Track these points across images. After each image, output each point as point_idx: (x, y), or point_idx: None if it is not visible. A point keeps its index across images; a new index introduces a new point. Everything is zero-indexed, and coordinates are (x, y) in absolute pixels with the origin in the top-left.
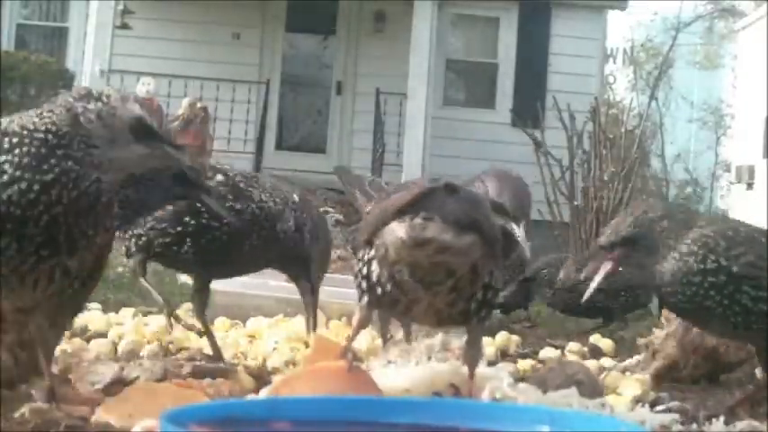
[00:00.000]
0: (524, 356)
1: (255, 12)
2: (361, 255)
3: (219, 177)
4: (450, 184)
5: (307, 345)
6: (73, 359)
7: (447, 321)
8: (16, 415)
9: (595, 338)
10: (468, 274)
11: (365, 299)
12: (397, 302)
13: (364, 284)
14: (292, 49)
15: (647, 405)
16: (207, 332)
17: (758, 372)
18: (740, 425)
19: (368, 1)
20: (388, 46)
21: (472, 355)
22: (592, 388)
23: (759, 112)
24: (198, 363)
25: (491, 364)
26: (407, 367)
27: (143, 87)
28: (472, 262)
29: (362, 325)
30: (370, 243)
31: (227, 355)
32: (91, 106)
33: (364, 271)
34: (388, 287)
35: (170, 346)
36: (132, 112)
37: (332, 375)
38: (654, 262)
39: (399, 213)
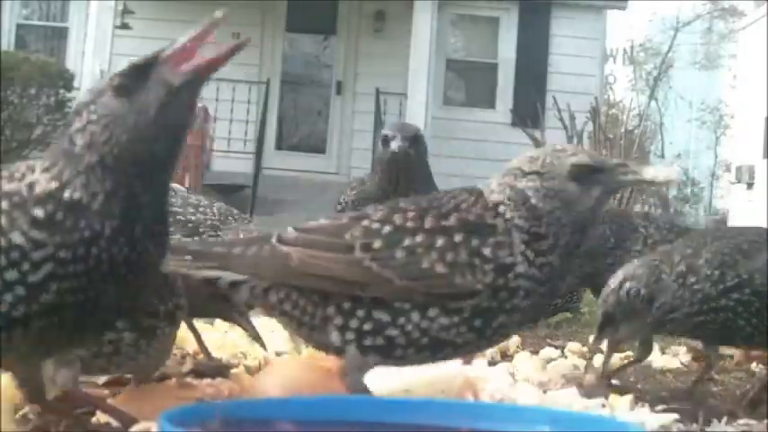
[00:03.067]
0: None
1: (255, 12)
2: None
3: None
4: None
5: (307, 344)
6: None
7: None
8: (17, 415)
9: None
10: None
11: None
12: None
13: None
14: (292, 49)
15: (647, 405)
16: (192, 330)
17: (757, 371)
18: (740, 425)
19: (368, 1)
20: (388, 46)
21: None
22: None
23: (759, 112)
24: (198, 362)
25: (491, 364)
26: (408, 367)
27: None
28: None
29: None
30: None
31: (227, 355)
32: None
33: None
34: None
35: None
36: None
37: (296, 368)
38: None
39: None
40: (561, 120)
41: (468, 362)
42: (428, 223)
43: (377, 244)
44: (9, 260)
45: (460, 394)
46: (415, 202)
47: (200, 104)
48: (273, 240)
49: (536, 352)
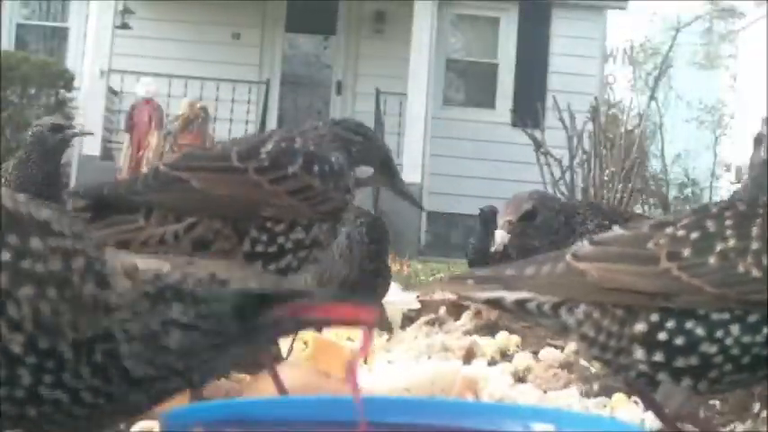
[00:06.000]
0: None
1: (255, 12)
2: None
3: None
4: None
5: (306, 344)
6: None
7: None
8: None
9: None
10: None
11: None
12: None
13: None
14: (292, 49)
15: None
16: None
17: None
18: (740, 426)
19: (368, 1)
20: (388, 46)
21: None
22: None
23: (759, 112)
24: None
25: (491, 364)
26: (408, 366)
27: (143, 88)
28: None
29: None
30: None
31: None
32: None
33: None
34: None
35: None
36: None
37: (295, 372)
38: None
39: None
40: (561, 120)
41: (468, 362)
42: (744, 227)
43: (686, 252)
44: None
45: (460, 394)
46: (725, 206)
47: (199, 104)
48: (568, 257)
49: (536, 352)
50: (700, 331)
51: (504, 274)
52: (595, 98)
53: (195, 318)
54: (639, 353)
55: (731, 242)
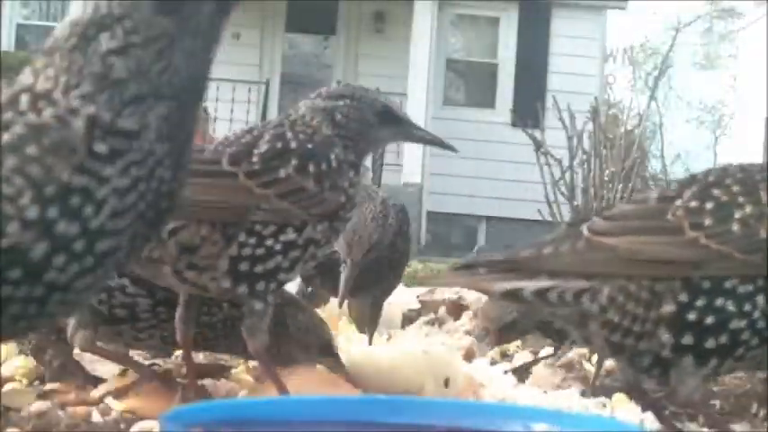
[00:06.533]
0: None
1: (255, 12)
2: None
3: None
4: None
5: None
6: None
7: None
8: (23, 414)
9: None
10: None
11: None
12: None
13: None
14: (292, 49)
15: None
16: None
17: (758, 373)
18: (739, 427)
19: (368, 1)
20: (388, 46)
21: None
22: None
23: (759, 112)
24: (198, 362)
25: (491, 364)
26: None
27: None
28: None
29: None
30: None
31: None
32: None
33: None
34: None
35: None
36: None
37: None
38: None
39: None
40: (561, 120)
41: (468, 362)
42: (753, 194)
43: (707, 221)
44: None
45: (461, 394)
46: (726, 175)
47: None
48: (586, 234)
49: (536, 352)
50: (730, 307)
51: (519, 256)
52: (595, 98)
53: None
54: (665, 336)
55: (747, 209)
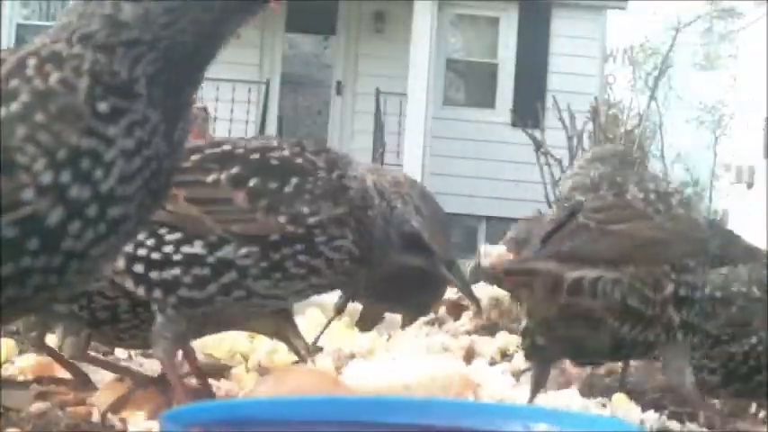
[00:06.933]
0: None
1: None
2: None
3: None
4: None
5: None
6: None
7: None
8: (22, 414)
9: None
10: None
11: None
12: None
13: None
14: (292, 49)
15: (647, 405)
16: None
17: None
18: (740, 426)
19: (368, 1)
20: (388, 46)
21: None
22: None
23: (759, 112)
24: (198, 362)
25: (491, 364)
26: (408, 364)
27: None
28: None
29: None
30: None
31: (226, 354)
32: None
33: None
34: None
35: None
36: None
37: (300, 376)
38: None
39: None
40: (561, 120)
41: (468, 362)
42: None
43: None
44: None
45: (460, 394)
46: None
47: (199, 104)
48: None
49: None
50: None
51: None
52: (595, 98)
53: None
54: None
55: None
